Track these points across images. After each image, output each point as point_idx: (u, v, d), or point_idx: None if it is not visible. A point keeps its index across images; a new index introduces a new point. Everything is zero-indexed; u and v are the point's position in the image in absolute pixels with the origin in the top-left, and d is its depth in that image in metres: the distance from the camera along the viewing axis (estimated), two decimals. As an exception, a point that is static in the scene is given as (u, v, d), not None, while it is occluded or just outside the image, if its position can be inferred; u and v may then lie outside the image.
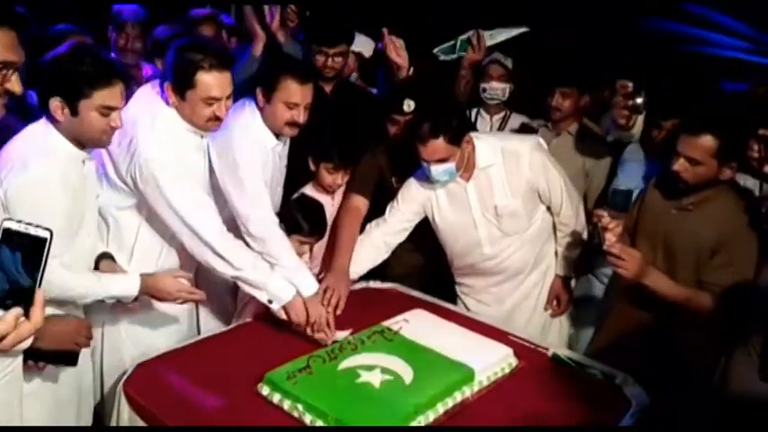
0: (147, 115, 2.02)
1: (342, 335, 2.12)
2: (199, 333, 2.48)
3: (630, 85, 2.41)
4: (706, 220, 2.00)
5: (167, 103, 2.05)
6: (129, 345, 2.18)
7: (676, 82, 2.60)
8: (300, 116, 2.25)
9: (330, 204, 2.62)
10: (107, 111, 1.75)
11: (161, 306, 2.12)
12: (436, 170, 2.26)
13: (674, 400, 1.95)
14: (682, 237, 2.04)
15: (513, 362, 2.02)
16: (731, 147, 1.93)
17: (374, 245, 2.48)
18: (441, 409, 1.76)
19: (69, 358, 1.73)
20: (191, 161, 2.10)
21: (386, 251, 2.51)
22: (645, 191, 2.24)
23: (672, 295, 1.99)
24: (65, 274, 1.76)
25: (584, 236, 2.47)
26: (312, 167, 2.59)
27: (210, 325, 2.51)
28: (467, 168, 2.34)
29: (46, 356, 1.67)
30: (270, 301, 2.13)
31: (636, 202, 2.25)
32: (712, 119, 1.96)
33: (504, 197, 2.36)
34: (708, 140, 1.92)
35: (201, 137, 2.14)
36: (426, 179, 2.36)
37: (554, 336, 2.57)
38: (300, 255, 2.36)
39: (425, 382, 1.81)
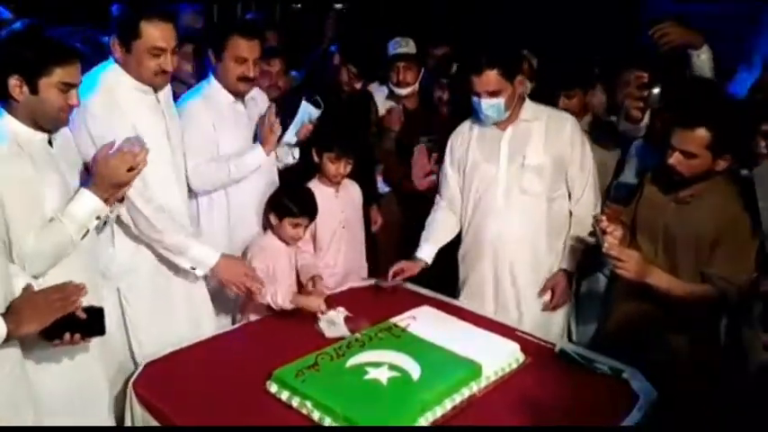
0: (92, 78, 2.04)
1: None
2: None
3: (646, 75, 2.37)
4: (705, 211, 2.01)
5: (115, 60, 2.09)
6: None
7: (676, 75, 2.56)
8: (251, 70, 2.42)
9: (334, 196, 2.66)
10: (66, 88, 1.75)
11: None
12: (487, 103, 2.31)
13: (680, 393, 1.94)
14: (681, 229, 2.04)
15: (520, 357, 2.02)
16: (724, 139, 1.94)
17: (445, 217, 2.61)
18: (448, 404, 1.76)
19: (98, 325, 1.69)
20: (137, 119, 2.09)
21: (456, 219, 2.61)
22: (642, 185, 2.24)
23: (675, 291, 2.00)
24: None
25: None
26: (316, 160, 2.64)
27: (215, 323, 2.54)
28: (512, 115, 2.39)
29: (75, 326, 1.64)
30: (193, 268, 2.19)
31: (634, 197, 2.26)
32: (705, 112, 1.97)
33: (536, 152, 2.39)
34: (701, 133, 1.93)
35: (156, 98, 2.17)
36: (462, 132, 2.49)
37: (557, 332, 2.55)
38: (296, 239, 2.43)
39: (433, 378, 1.82)
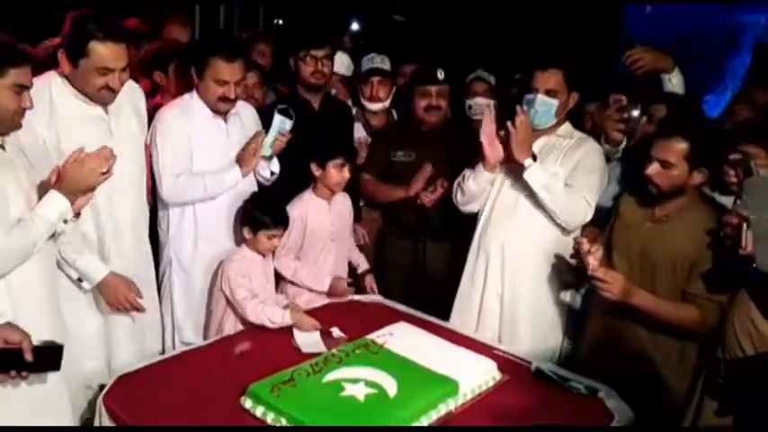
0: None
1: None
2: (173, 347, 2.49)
3: (623, 98, 2.42)
4: (682, 231, 2.04)
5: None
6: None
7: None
8: (232, 92, 2.42)
9: (327, 209, 2.66)
10: (20, 89, 1.75)
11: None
12: (541, 99, 2.33)
13: (655, 412, 1.96)
14: (658, 249, 2.08)
15: (497, 375, 2.02)
16: (701, 151, 2.00)
17: None
18: (425, 422, 1.75)
19: (53, 362, 1.65)
20: (75, 130, 2.07)
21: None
22: (617, 206, 2.28)
23: (657, 311, 2.02)
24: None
25: None
26: (317, 172, 2.61)
27: (188, 335, 2.51)
28: (552, 127, 2.41)
29: (27, 364, 1.60)
30: (80, 280, 2.13)
31: (610, 219, 2.29)
32: (684, 123, 2.04)
33: (553, 164, 2.39)
34: (679, 143, 1.99)
35: (105, 110, 2.16)
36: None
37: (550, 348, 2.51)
38: (272, 249, 2.43)
39: (409, 395, 1.81)
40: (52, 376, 1.78)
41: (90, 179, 1.83)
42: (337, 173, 2.60)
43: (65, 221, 1.84)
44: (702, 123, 2.15)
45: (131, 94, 2.30)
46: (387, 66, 3.25)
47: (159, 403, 1.81)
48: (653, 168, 2.03)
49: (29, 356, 1.59)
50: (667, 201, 2.08)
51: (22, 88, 1.75)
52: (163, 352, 2.45)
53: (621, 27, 3.99)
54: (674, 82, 2.41)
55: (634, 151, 2.43)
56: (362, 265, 2.85)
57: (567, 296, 2.47)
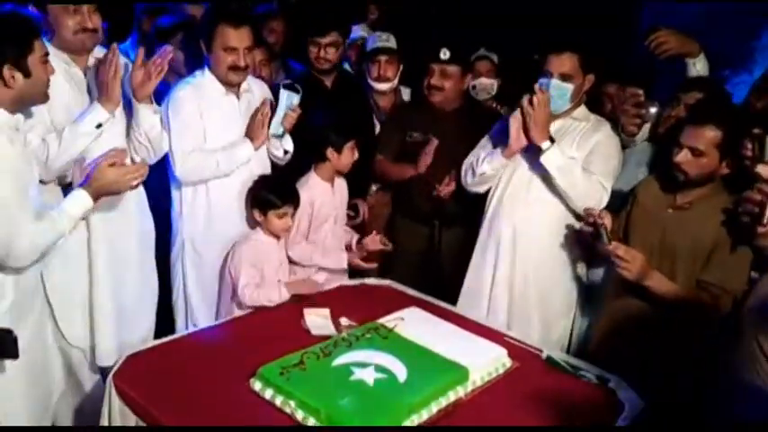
0: None
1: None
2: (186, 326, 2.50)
3: (641, 92, 2.35)
4: (705, 218, 2.01)
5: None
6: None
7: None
8: (241, 60, 2.39)
9: (331, 192, 2.64)
10: (45, 59, 1.75)
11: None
12: (556, 83, 2.29)
13: (667, 403, 1.94)
14: (679, 237, 2.04)
15: (508, 363, 2.01)
16: (733, 140, 1.96)
17: None
18: (434, 408, 1.74)
19: (9, 347, 1.68)
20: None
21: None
22: (634, 192, 2.24)
23: (672, 296, 2.00)
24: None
25: None
26: (331, 156, 2.57)
27: (201, 316, 2.52)
28: (567, 110, 2.37)
29: None
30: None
31: (626, 205, 2.25)
32: (717, 111, 1.99)
33: (569, 148, 2.36)
34: (712, 131, 1.95)
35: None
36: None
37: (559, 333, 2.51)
38: (285, 229, 2.41)
39: (419, 381, 1.80)
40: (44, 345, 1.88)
41: (122, 187, 1.88)
42: (351, 155, 2.58)
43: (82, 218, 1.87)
44: (736, 110, 2.09)
45: None
46: (393, 44, 3.15)
47: (168, 383, 1.82)
48: (682, 156, 1.99)
49: None
50: (691, 188, 2.04)
51: (46, 56, 1.75)
52: (174, 332, 2.45)
53: (639, 5, 3.88)
54: (699, 67, 2.35)
55: (662, 136, 2.37)
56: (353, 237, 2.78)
57: (578, 280, 2.45)
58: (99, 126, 1.95)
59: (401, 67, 3.16)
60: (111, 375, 1.84)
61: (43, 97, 1.78)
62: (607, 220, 2.16)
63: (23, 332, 1.84)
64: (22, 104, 1.74)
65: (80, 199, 1.83)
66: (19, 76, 1.67)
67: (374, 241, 2.59)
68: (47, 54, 1.75)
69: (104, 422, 1.83)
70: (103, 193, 1.88)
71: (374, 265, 2.69)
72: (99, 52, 2.15)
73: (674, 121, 2.24)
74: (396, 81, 3.14)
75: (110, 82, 1.98)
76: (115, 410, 1.79)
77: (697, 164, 1.98)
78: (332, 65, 2.91)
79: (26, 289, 1.90)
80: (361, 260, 2.62)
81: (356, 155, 2.60)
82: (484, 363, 1.94)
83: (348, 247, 2.69)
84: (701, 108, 2.05)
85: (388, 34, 3.19)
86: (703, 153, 1.96)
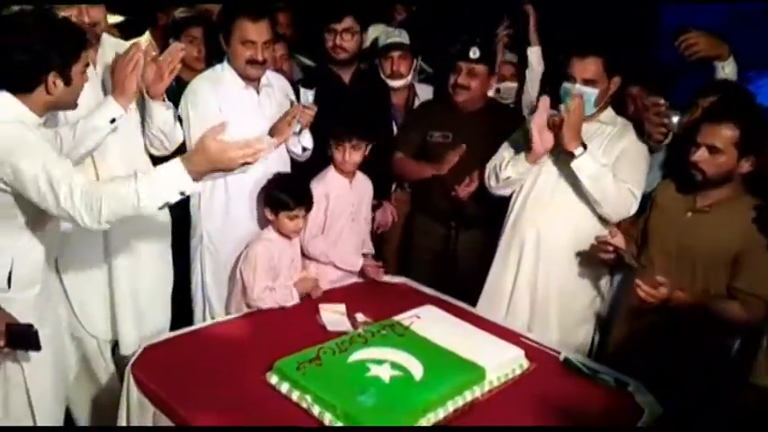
0: None
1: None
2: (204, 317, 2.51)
3: (662, 102, 2.28)
4: (726, 222, 1.97)
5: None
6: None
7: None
8: (259, 54, 2.38)
9: (348, 188, 2.63)
10: (86, 68, 1.76)
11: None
12: (579, 89, 2.26)
13: (687, 408, 1.92)
14: (699, 242, 2.01)
15: (525, 364, 1.99)
16: (751, 137, 1.92)
17: None
18: (450, 407, 1.74)
19: (32, 341, 1.69)
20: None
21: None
22: (653, 195, 2.22)
23: (698, 306, 1.96)
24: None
25: None
26: (330, 150, 2.56)
27: (218, 308, 2.53)
28: (593, 114, 2.33)
29: (7, 338, 1.66)
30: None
31: (645, 209, 2.23)
32: (734, 108, 1.96)
33: (596, 151, 2.31)
34: (729, 128, 1.92)
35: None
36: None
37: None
38: (296, 231, 2.40)
39: (435, 379, 1.79)
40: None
41: (229, 164, 1.63)
42: (352, 154, 2.53)
43: (181, 193, 1.65)
44: (755, 108, 2.05)
45: None
46: (405, 39, 3.09)
47: (186, 375, 1.83)
48: (700, 154, 1.96)
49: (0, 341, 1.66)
50: (711, 189, 2.01)
51: (87, 66, 1.77)
52: (192, 324, 2.47)
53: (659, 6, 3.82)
54: (728, 71, 2.30)
55: (678, 136, 2.34)
56: (367, 247, 2.77)
57: (600, 286, 2.42)
58: (113, 121, 1.94)
59: (415, 63, 3.12)
60: (129, 365, 1.86)
61: (74, 105, 1.80)
62: (618, 239, 2.14)
63: (50, 317, 1.87)
64: (53, 110, 1.77)
65: (172, 166, 1.61)
66: (60, 83, 1.68)
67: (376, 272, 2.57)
68: (88, 64, 1.76)
69: (122, 412, 1.85)
70: (207, 169, 1.63)
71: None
72: (116, 45, 2.16)
73: (689, 123, 2.20)
74: (409, 77, 3.11)
75: (127, 77, 1.97)
76: (133, 400, 1.81)
77: (714, 162, 1.95)
78: (349, 55, 2.85)
79: (49, 276, 1.92)
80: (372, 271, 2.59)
81: (355, 156, 2.54)
82: (501, 363, 1.93)
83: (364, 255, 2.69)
84: (719, 106, 2.02)
85: (401, 30, 3.16)
86: (721, 151, 1.93)
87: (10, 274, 1.76)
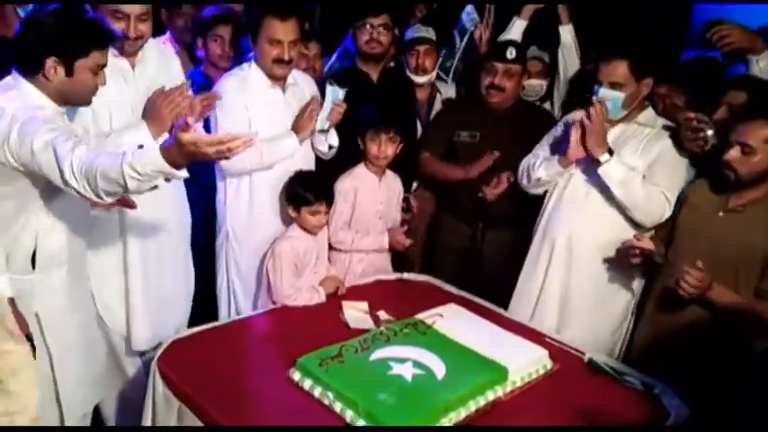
0: None
1: None
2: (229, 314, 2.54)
3: (693, 116, 2.18)
4: (759, 223, 1.93)
5: None
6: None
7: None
8: (286, 53, 2.37)
9: (377, 185, 2.64)
10: (99, 69, 1.76)
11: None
12: (604, 92, 2.23)
13: (713, 411, 1.88)
14: (731, 242, 1.96)
15: (548, 364, 1.97)
16: None
17: None
18: (472, 407, 1.73)
19: None
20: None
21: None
22: (685, 193, 2.18)
23: (733, 307, 1.92)
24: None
25: None
26: (362, 145, 2.57)
27: (243, 304, 2.55)
28: (628, 115, 2.30)
29: None
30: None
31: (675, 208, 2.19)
32: (766, 106, 1.91)
33: (631, 155, 2.27)
34: (763, 127, 1.88)
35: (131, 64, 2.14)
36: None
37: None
38: (319, 226, 2.41)
39: (458, 378, 1.79)
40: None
41: (202, 154, 1.52)
42: (377, 146, 2.54)
43: (167, 180, 1.59)
44: None
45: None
46: (432, 35, 3.07)
47: (210, 370, 1.85)
48: (733, 153, 1.92)
49: None
50: (744, 189, 1.97)
51: (100, 68, 1.77)
52: (217, 320, 2.50)
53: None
54: (762, 65, 2.23)
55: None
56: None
57: (633, 289, 2.37)
58: (141, 147, 1.90)
59: (440, 60, 3.11)
60: (155, 360, 1.88)
61: (85, 102, 1.81)
62: (646, 242, 2.11)
63: (81, 303, 1.92)
64: (64, 101, 1.78)
65: (150, 149, 1.57)
66: (61, 71, 1.70)
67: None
68: (102, 66, 1.76)
69: (148, 407, 1.87)
70: (184, 156, 1.53)
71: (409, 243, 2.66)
72: (153, 44, 2.20)
73: (720, 125, 2.15)
74: (434, 74, 3.09)
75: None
76: (159, 394, 1.83)
77: (747, 162, 1.91)
78: (383, 50, 2.85)
79: (80, 261, 1.95)
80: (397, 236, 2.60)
81: (393, 149, 2.56)
82: (524, 363, 1.91)
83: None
84: (752, 104, 1.98)
85: (427, 27, 3.13)
86: (754, 150, 1.89)
87: (34, 253, 1.79)
